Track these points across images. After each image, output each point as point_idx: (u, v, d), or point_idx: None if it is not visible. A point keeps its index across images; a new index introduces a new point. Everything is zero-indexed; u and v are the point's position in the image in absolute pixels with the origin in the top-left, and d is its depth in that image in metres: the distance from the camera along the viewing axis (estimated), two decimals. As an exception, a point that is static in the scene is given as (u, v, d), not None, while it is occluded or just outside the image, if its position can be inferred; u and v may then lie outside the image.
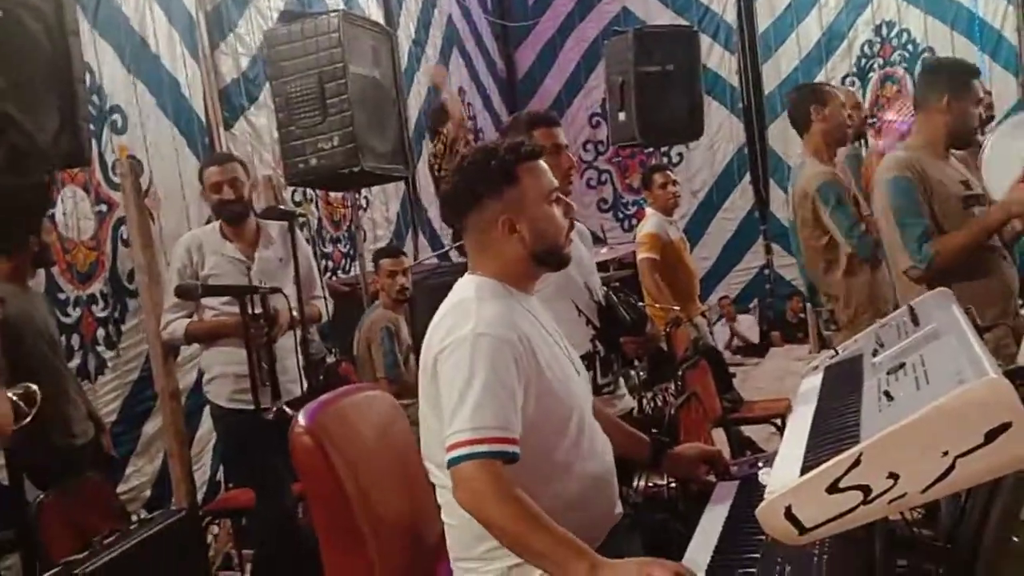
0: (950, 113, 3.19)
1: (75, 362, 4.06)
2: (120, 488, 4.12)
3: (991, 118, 4.30)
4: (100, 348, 4.27)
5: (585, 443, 2.00)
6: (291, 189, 5.56)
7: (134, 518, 3.62)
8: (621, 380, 2.88)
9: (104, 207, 4.38)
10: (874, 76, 8.64)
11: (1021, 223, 3.19)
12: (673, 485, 2.41)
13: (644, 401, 4.00)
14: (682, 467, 2.22)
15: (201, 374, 3.99)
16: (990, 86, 5.97)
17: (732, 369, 6.57)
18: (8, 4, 2.67)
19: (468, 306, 1.89)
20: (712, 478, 2.14)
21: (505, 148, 2.00)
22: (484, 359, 1.79)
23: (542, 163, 2.04)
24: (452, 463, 1.76)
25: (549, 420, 1.92)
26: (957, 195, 3.16)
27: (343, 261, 6.38)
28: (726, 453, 4.10)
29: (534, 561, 1.75)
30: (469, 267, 2.07)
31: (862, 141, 4.42)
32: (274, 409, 3.40)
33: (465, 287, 2.00)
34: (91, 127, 3.45)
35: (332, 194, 6.23)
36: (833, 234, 3.72)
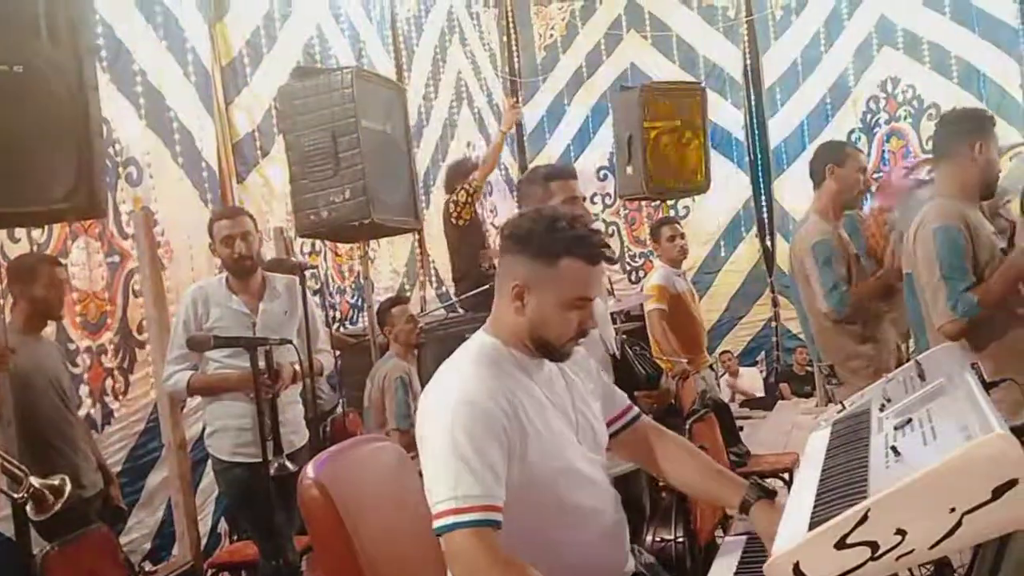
0: (979, 162, 3.12)
1: (83, 412, 4.07)
2: (122, 540, 4.10)
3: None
4: (108, 398, 4.28)
5: (579, 508, 1.97)
6: (300, 241, 5.61)
7: (138, 570, 3.60)
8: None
9: (116, 258, 4.42)
10: (880, 131, 8.71)
11: None
12: (681, 541, 2.41)
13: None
14: (766, 523, 1.91)
15: (205, 426, 4.00)
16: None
17: (739, 422, 6.53)
18: (29, 58, 2.73)
19: (459, 373, 1.91)
20: (720, 533, 2.11)
21: (569, 233, 1.90)
22: (462, 429, 1.78)
23: (592, 270, 1.92)
24: (439, 532, 1.77)
25: (536, 487, 1.89)
26: (995, 245, 3.11)
27: (350, 312, 6.41)
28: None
29: None
30: (489, 317, 2.05)
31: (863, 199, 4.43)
32: (276, 464, 3.41)
33: (469, 347, 2.00)
34: (107, 179, 3.51)
35: (341, 246, 6.27)
36: (815, 291, 3.74)
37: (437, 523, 1.77)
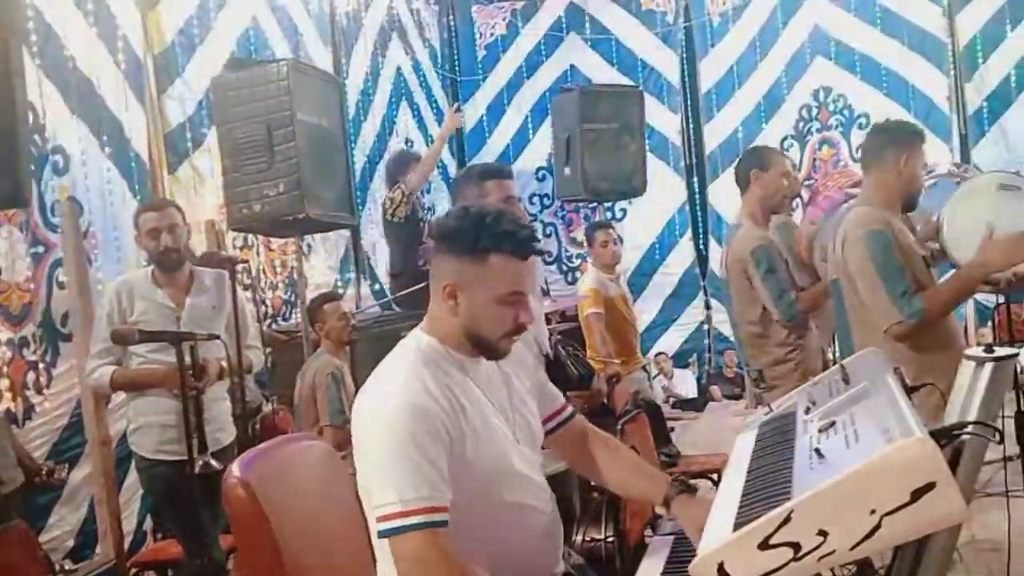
0: (906, 173, 3.19)
1: (2, 406, 3.95)
2: (42, 537, 3.99)
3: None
4: (29, 392, 4.16)
5: (518, 506, 1.99)
6: (232, 235, 5.52)
7: (58, 568, 3.51)
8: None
9: (41, 248, 4.30)
10: (812, 139, 8.88)
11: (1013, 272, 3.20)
12: (611, 540, 2.42)
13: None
14: (694, 518, 1.97)
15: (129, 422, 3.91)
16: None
17: (671, 423, 6.61)
18: (-50, 42, 2.64)
19: (396, 374, 1.89)
20: (649, 532, 2.13)
21: (495, 228, 1.89)
22: (405, 431, 1.77)
23: (523, 264, 1.92)
24: (384, 535, 1.76)
25: (475, 486, 1.89)
26: (918, 252, 3.17)
27: (283, 308, 6.32)
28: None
29: None
30: (426, 316, 2.04)
31: (795, 204, 4.52)
32: (200, 462, 3.35)
33: (406, 347, 1.98)
34: (31, 168, 3.40)
35: (274, 240, 6.19)
36: (762, 299, 3.81)
37: (382, 526, 1.75)
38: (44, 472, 3.72)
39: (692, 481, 2.10)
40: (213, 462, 3.36)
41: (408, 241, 6.09)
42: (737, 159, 4.31)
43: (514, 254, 1.90)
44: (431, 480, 1.76)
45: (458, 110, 7.75)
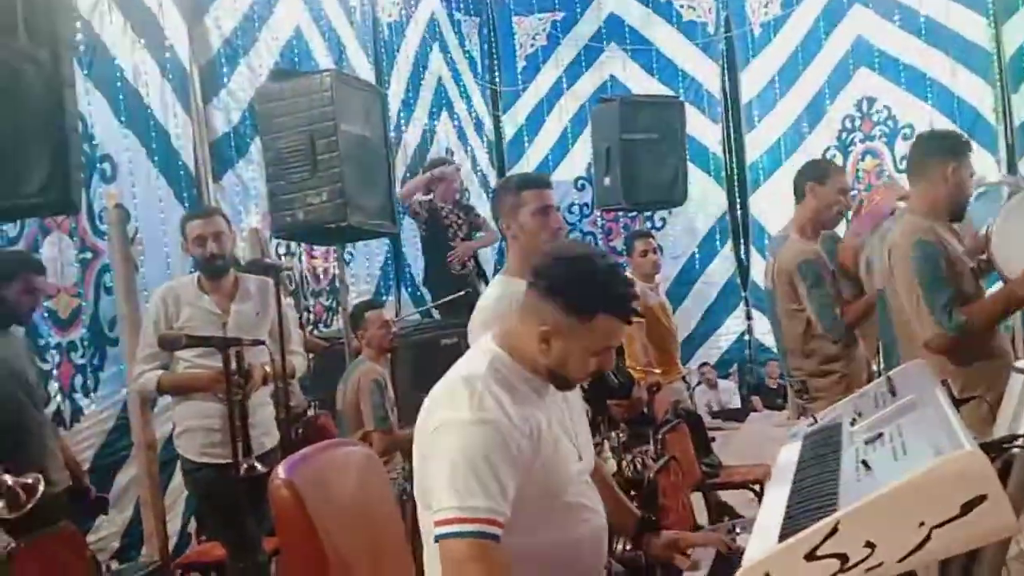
0: (952, 182, 3.14)
1: (51, 408, 4.03)
2: (89, 538, 4.05)
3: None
4: (77, 395, 4.24)
5: (572, 509, 2.03)
6: (275, 242, 5.59)
7: (104, 569, 3.57)
8: (605, 442, 2.89)
9: (89, 254, 4.38)
10: (854, 150, 8.80)
11: None
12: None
13: (623, 464, 4.00)
14: (659, 548, 2.19)
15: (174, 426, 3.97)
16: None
17: (712, 433, 6.56)
18: (5, 52, 2.71)
19: (473, 387, 1.89)
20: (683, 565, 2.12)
21: (609, 291, 1.92)
22: (479, 445, 1.80)
23: (623, 325, 1.96)
24: (439, 538, 1.79)
25: (540, 492, 1.94)
26: (966, 263, 3.13)
27: (325, 315, 6.38)
28: (703, 518, 4.11)
29: None
30: (504, 330, 2.06)
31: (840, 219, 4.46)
32: (244, 466, 3.39)
33: (480, 358, 1.99)
34: (81, 175, 3.48)
35: (316, 248, 6.25)
36: (808, 313, 3.77)
37: (439, 530, 1.78)
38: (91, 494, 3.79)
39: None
40: (258, 465, 3.39)
41: (436, 250, 6.21)
42: (782, 170, 4.28)
43: (620, 318, 1.94)
44: (494, 496, 1.79)
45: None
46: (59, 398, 4.12)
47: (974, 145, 3.66)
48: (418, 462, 1.95)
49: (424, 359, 5.00)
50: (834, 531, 1.34)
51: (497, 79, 9.71)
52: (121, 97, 4.66)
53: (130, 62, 4.75)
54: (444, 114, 8.44)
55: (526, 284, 2.00)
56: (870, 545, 1.33)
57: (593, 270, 1.92)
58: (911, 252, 3.05)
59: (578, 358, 1.94)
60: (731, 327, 9.35)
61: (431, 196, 6.36)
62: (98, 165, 4.48)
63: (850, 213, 4.22)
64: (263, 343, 3.56)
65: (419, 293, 7.51)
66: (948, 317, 2.95)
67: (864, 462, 1.51)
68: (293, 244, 5.90)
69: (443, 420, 1.88)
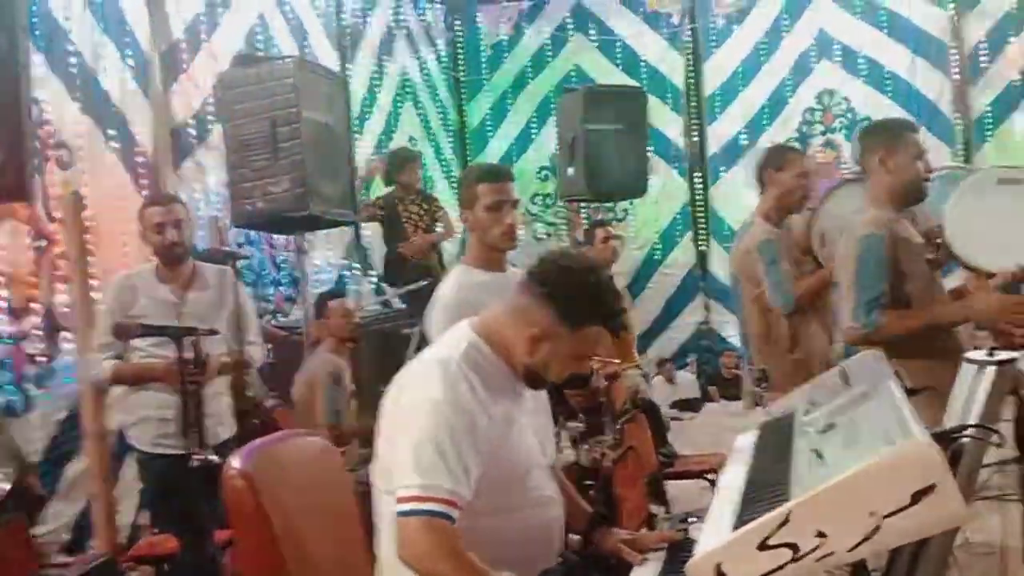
0: (890, 171, 3.16)
1: (1, 399, 3.95)
2: (38, 531, 3.99)
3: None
4: (29, 385, 4.16)
5: (531, 495, 2.08)
6: (234, 231, 5.53)
7: (52, 562, 3.52)
8: (563, 433, 2.89)
9: (43, 242, 4.30)
10: (815, 142, 8.87)
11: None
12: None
13: (581, 453, 4.01)
14: (610, 545, 2.19)
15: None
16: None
17: (668, 423, 6.61)
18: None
19: (446, 369, 1.94)
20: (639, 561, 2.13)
21: (602, 304, 1.99)
22: (446, 427, 1.85)
23: (608, 337, 2.05)
24: (399, 515, 1.82)
25: (501, 477, 1.98)
26: (923, 256, 3.15)
27: (284, 305, 6.33)
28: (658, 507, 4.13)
29: None
30: (481, 317, 2.10)
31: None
32: (199, 457, 3.35)
33: (456, 343, 2.03)
34: (36, 161, 3.41)
35: (276, 237, 6.19)
36: (763, 288, 3.81)
37: (400, 506, 1.81)
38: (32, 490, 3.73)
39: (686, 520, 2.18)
40: (212, 456, 3.36)
41: (392, 240, 6.27)
42: (743, 161, 4.30)
43: (608, 329, 2.01)
44: (457, 477, 1.82)
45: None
46: (11, 388, 4.03)
47: (932, 138, 3.72)
48: (383, 443, 1.98)
49: (385, 349, 4.99)
50: (786, 521, 1.35)
51: (462, 68, 9.67)
52: (79, 82, 4.58)
53: (89, 46, 4.67)
54: (408, 102, 8.39)
55: (520, 283, 2.05)
56: (821, 535, 1.34)
57: (593, 283, 2.00)
58: (857, 242, 3.08)
59: (561, 363, 2.02)
60: (690, 317, 9.41)
61: (390, 189, 6.33)
62: (53, 151, 4.39)
63: None
64: (218, 333, 3.53)
65: (381, 283, 7.47)
66: (867, 313, 2.97)
67: (817, 452, 1.53)
68: (253, 233, 5.83)
69: (415, 399, 1.91)
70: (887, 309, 2.98)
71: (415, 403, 1.91)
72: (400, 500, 1.82)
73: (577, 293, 1.98)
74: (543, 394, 2.26)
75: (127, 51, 4.92)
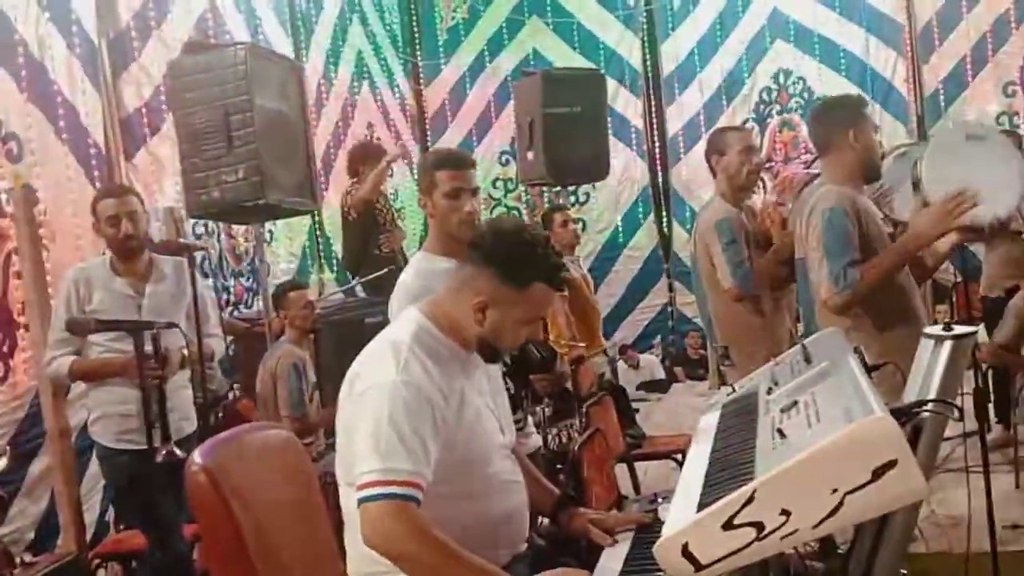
0: (858, 147, 3.18)
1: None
2: (3, 530, 3.93)
3: None
4: (-14, 384, 4.09)
5: (494, 481, 2.07)
6: (193, 222, 5.45)
7: (18, 562, 3.46)
8: (529, 417, 2.89)
9: (-6, 237, 4.21)
10: (772, 122, 8.94)
11: (946, 245, 3.23)
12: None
13: (549, 437, 4.01)
14: (577, 526, 2.22)
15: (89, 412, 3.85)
16: (881, 135, 6.25)
17: (635, 405, 6.65)
18: None
19: (398, 352, 1.94)
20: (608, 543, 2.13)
21: (543, 260, 2.01)
22: (403, 408, 1.84)
23: (556, 297, 2.10)
24: (361, 501, 1.81)
25: (463, 461, 1.99)
26: (884, 231, 3.17)
27: (245, 296, 6.26)
28: (628, 488, 4.16)
29: None
30: (428, 299, 2.12)
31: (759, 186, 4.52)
32: (163, 451, 3.32)
33: (405, 326, 2.03)
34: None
35: (235, 227, 6.12)
36: (718, 268, 3.83)
37: (361, 493, 1.81)
38: None
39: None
40: (176, 450, 3.32)
41: (363, 235, 6.08)
42: (703, 142, 4.31)
43: (554, 287, 2.02)
44: (417, 457, 1.82)
45: (404, 147, 7.81)
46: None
47: (887, 116, 3.75)
48: (342, 436, 1.97)
49: (347, 339, 4.93)
50: (750, 500, 1.35)
51: (419, 52, 9.61)
52: (25, 72, 4.47)
53: (34, 36, 4.55)
54: (365, 88, 8.32)
55: (464, 258, 2.07)
56: (785, 512, 1.35)
57: (530, 241, 2.01)
58: (820, 219, 3.09)
59: (511, 328, 2.02)
60: (654, 299, 9.47)
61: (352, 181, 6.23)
62: (2, 144, 4.30)
63: (765, 182, 4.28)
64: (177, 326, 3.48)
65: (343, 273, 7.42)
66: (843, 276, 3.00)
67: (779, 430, 1.53)
68: (212, 223, 5.76)
69: (368, 384, 1.91)
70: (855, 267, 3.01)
71: (369, 389, 1.90)
72: (361, 487, 1.81)
73: (514, 251, 1.99)
74: (498, 374, 2.25)
75: (74, 40, 4.81)
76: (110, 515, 4.54)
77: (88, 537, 4.29)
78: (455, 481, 1.95)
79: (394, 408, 1.84)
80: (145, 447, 3.39)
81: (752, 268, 3.82)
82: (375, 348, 2.01)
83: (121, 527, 4.38)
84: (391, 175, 7.90)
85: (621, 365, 8.93)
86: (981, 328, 5.11)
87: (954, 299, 5.85)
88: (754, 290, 3.83)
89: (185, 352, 3.57)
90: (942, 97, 8.38)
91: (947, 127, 3.94)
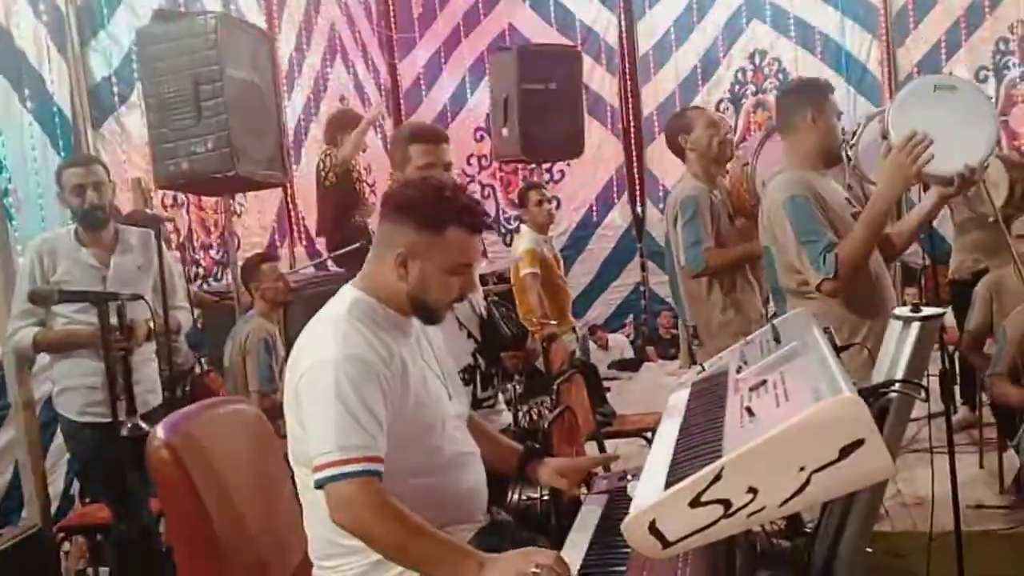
0: (817, 130, 3.17)
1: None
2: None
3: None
4: (-51, 355, 4.02)
5: (448, 454, 2.05)
6: (161, 193, 5.38)
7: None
8: (500, 395, 2.87)
9: (-41, 207, 4.14)
10: (747, 103, 8.95)
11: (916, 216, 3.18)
12: (546, 498, 2.43)
13: (519, 415, 4.01)
14: (546, 475, 2.23)
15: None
16: (855, 116, 6.26)
17: (606, 383, 6.67)
18: None
19: (336, 327, 1.92)
20: (579, 491, 2.15)
21: (455, 203, 1.97)
22: (348, 382, 1.82)
23: (476, 239, 2.02)
24: (321, 484, 1.79)
25: (413, 433, 1.96)
26: (846, 211, 3.15)
27: (215, 269, 6.20)
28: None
29: (420, 568, 1.80)
30: (360, 274, 2.09)
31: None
32: (129, 424, 3.28)
33: (341, 302, 2.01)
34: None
35: (205, 199, 6.05)
36: (674, 245, 3.84)
37: (319, 475, 1.79)
38: None
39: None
40: (142, 423, 3.28)
41: (341, 202, 5.99)
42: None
43: (470, 229, 1.98)
44: (369, 430, 1.80)
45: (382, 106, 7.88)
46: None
47: (860, 99, 3.74)
48: (291, 423, 1.94)
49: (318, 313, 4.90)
50: (718, 477, 1.35)
51: (393, 26, 9.51)
52: (-10, 39, 4.38)
53: (1, 3, 4.46)
54: (339, 61, 8.24)
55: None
56: (752, 490, 1.35)
57: (439, 187, 2.00)
58: (783, 209, 3.08)
59: (437, 278, 1.98)
60: (627, 278, 9.48)
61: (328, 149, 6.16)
62: (-34, 112, 4.22)
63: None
64: (142, 297, 3.43)
65: (314, 246, 7.36)
66: (823, 262, 2.98)
67: (748, 409, 1.53)
68: (181, 195, 5.69)
69: (310, 363, 1.88)
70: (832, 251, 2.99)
71: (311, 367, 1.87)
72: (319, 468, 1.79)
73: (424, 196, 1.97)
74: (438, 338, 2.21)
75: (41, 6, 4.72)
76: (75, 488, 4.50)
77: (53, 510, 4.25)
78: (409, 455, 1.93)
79: (339, 384, 1.81)
80: (110, 420, 3.35)
81: (708, 249, 3.80)
82: (313, 327, 1.99)
83: (86, 500, 4.34)
84: (365, 150, 7.85)
85: (591, 345, 8.96)
86: (949, 311, 5.17)
87: (922, 282, 5.90)
88: (710, 271, 3.83)
89: (151, 324, 3.52)
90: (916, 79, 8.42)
91: (916, 79, 3.88)
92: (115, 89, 5.26)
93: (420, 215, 1.95)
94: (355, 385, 1.81)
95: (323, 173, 5.91)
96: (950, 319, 5.35)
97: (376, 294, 2.01)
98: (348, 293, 2.03)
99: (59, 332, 3.53)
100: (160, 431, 1.89)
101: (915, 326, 1.69)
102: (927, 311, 1.71)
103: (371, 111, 6.81)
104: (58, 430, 4.09)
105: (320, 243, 7.10)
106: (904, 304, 1.85)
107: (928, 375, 1.75)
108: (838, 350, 1.75)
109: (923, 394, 1.62)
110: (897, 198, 3.10)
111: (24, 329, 3.52)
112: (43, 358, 3.98)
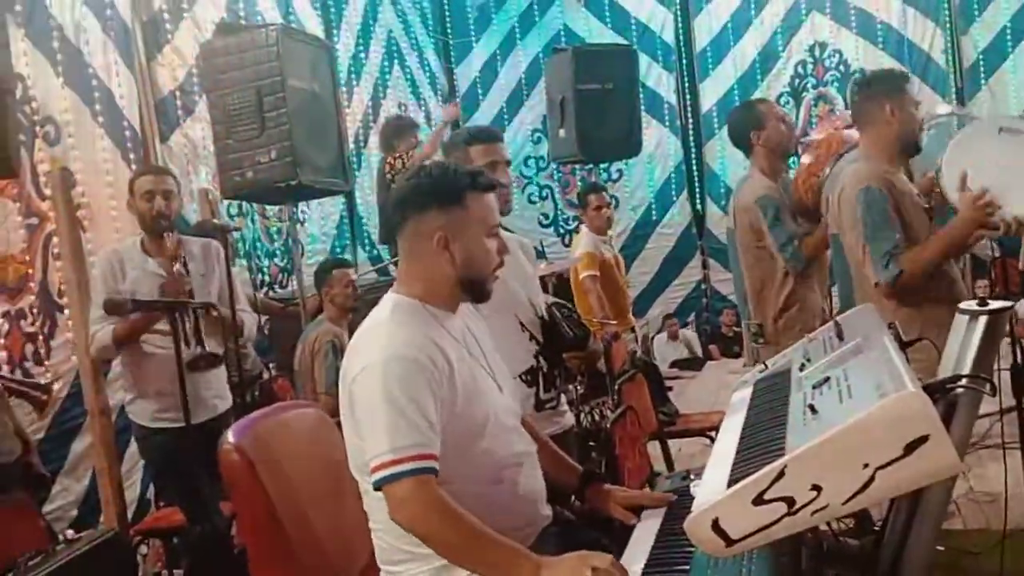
0: (896, 122, 3.14)
1: None
2: (46, 508, 4.01)
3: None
4: (28, 364, 4.16)
5: (502, 456, 2.04)
6: (227, 203, 5.50)
7: (60, 538, 3.52)
8: (562, 396, 2.88)
9: (35, 220, 4.27)
10: (807, 96, 8.83)
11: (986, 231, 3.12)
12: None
13: (581, 416, 4.02)
14: (604, 503, 2.19)
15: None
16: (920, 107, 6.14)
17: (669, 383, 6.63)
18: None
19: (381, 330, 1.95)
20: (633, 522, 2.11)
21: (462, 171, 2.05)
22: (396, 382, 1.83)
23: (492, 197, 2.06)
24: (379, 485, 1.80)
25: (466, 433, 1.96)
26: (920, 207, 3.13)
27: (280, 276, 6.31)
28: (661, 466, 4.16)
29: (476, 568, 1.80)
30: (396, 281, 2.11)
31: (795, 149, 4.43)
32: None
33: (383, 308, 2.03)
34: (22, 138, 3.38)
35: (269, 208, 6.16)
36: (769, 247, 3.79)
37: (376, 476, 1.80)
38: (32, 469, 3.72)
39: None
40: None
41: None
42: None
43: (483, 188, 2.03)
44: (421, 428, 1.81)
45: (456, 104, 8.05)
46: (8, 368, 4.02)
47: (925, 89, 3.67)
48: (348, 433, 1.96)
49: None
50: (781, 475, 1.35)
51: (449, 31, 9.58)
52: (61, 57, 4.52)
53: (70, 20, 4.60)
54: (396, 67, 8.32)
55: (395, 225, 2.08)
56: (816, 488, 1.34)
57: (437, 166, 2.09)
58: (856, 200, 3.06)
59: (477, 247, 2.02)
60: (688, 276, 9.42)
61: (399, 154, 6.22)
62: (40, 128, 4.35)
63: (801, 156, 4.21)
64: (212, 305, 3.52)
65: (375, 252, 7.45)
66: (884, 267, 2.97)
67: (811, 406, 1.53)
68: (245, 204, 5.80)
69: (359, 368, 1.89)
70: (901, 255, 2.97)
71: (361, 372, 1.88)
72: (374, 470, 1.80)
73: (432, 178, 2.03)
74: (483, 333, 2.20)
75: (109, 23, 4.85)
76: (151, 492, 4.62)
77: (130, 514, 4.37)
78: (464, 462, 1.93)
79: (387, 386, 1.82)
80: (182, 425, 3.44)
81: (801, 244, 3.77)
82: (358, 336, 2.01)
83: (162, 504, 4.45)
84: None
85: (659, 336, 8.93)
86: (1021, 303, 5.04)
87: (993, 273, 5.76)
88: (806, 265, 3.79)
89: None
90: (982, 68, 8.23)
91: (983, 119, 3.81)
92: (180, 102, 5.39)
93: (439, 194, 1.99)
94: (403, 385, 1.82)
95: (391, 176, 5.96)
96: (1022, 311, 5.21)
97: (416, 295, 2.03)
98: (388, 299, 2.05)
99: (133, 320, 3.56)
100: (230, 435, 1.94)
101: (982, 320, 1.67)
102: (994, 304, 1.69)
103: (447, 110, 6.86)
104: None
105: (381, 249, 7.20)
106: (974, 297, 1.82)
107: (999, 369, 1.72)
108: (904, 346, 1.73)
109: (990, 389, 1.59)
110: (970, 236, 3.09)
111: (100, 332, 3.62)
112: (115, 367, 4.10)
